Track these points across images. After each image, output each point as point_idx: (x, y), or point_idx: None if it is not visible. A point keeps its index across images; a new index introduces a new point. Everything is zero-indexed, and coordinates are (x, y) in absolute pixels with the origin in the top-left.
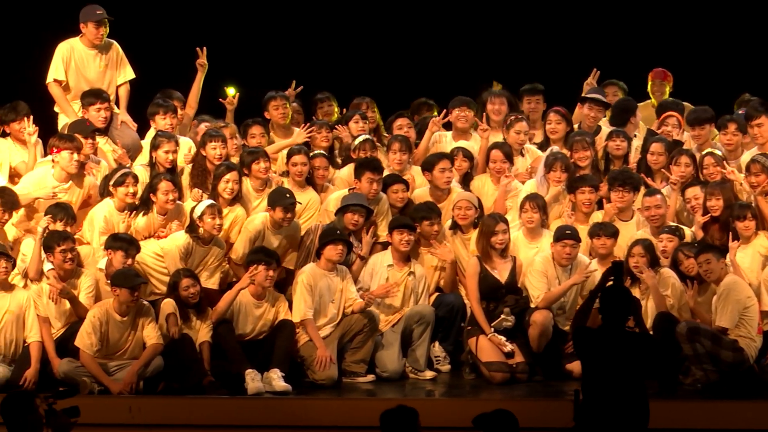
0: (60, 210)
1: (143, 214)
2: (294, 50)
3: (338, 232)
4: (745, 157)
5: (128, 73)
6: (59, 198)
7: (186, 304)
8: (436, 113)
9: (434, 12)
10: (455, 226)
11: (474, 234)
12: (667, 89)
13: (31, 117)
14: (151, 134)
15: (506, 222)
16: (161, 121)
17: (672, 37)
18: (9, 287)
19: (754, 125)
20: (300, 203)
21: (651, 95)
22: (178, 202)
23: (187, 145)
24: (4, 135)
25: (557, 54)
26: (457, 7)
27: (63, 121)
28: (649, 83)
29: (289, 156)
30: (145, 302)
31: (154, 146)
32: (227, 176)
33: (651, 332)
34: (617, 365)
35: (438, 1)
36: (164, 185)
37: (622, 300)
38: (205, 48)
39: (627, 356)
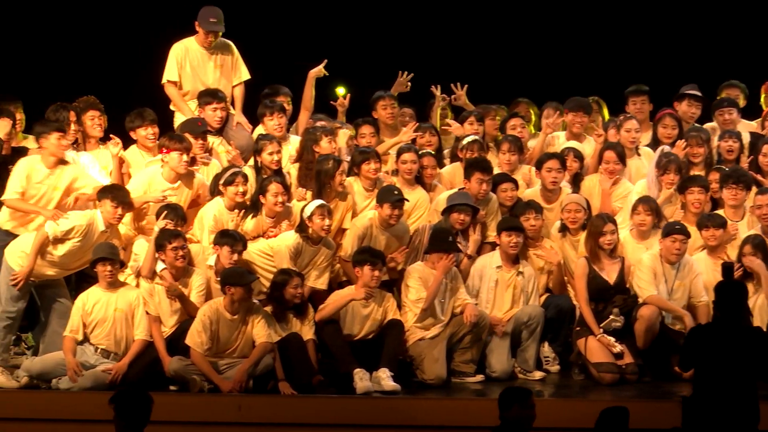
0: (170, 210)
1: (252, 217)
2: (403, 49)
3: (450, 239)
4: None
5: (243, 74)
6: (169, 200)
7: (287, 304)
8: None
9: (542, 11)
10: (564, 229)
11: (583, 236)
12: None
13: (156, 125)
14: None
15: (614, 222)
16: (269, 122)
17: None
18: (117, 286)
19: None
20: (408, 200)
21: (764, 106)
22: (287, 204)
23: (295, 145)
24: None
25: (657, 56)
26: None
27: (179, 120)
28: (763, 95)
29: (399, 154)
30: (255, 301)
31: (257, 150)
32: (340, 169)
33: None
34: (730, 361)
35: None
36: (274, 187)
37: (738, 295)
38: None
39: (740, 352)
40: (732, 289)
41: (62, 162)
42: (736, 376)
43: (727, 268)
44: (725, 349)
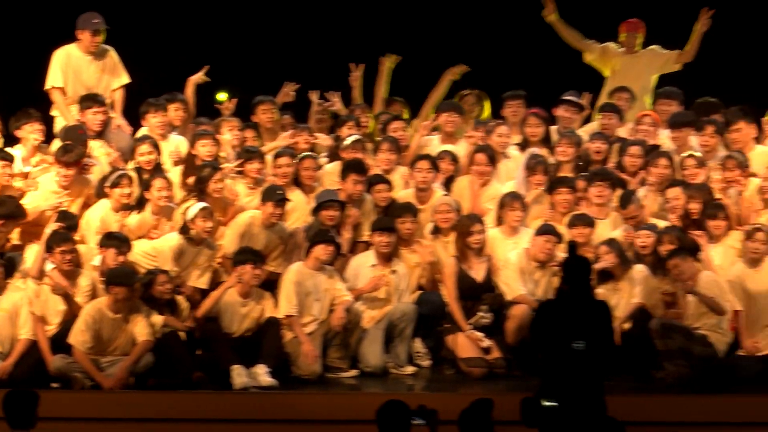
0: (62, 215)
1: (137, 212)
2: (285, 56)
3: (329, 233)
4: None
5: (123, 78)
6: (64, 206)
7: (158, 302)
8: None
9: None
10: (437, 231)
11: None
12: (639, 40)
13: (42, 122)
14: (139, 135)
15: (482, 222)
16: (152, 119)
17: None
18: (2, 287)
19: (733, 130)
20: (291, 200)
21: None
22: (169, 204)
23: (174, 144)
24: None
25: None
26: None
27: (60, 124)
28: (623, 35)
29: (276, 157)
30: (136, 299)
31: (133, 152)
32: (215, 177)
33: (626, 327)
34: (578, 332)
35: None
36: (158, 182)
37: (584, 270)
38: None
39: (587, 323)
40: (578, 264)
41: None
42: (589, 371)
43: (572, 245)
44: (573, 321)
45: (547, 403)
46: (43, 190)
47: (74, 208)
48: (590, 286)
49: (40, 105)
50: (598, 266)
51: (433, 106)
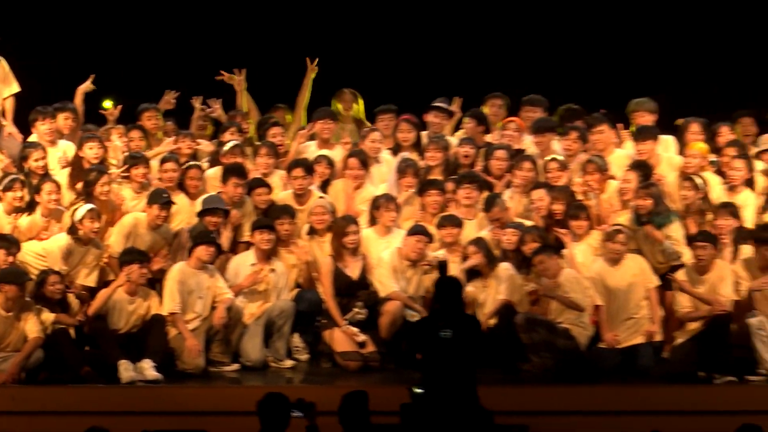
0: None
1: (27, 215)
2: (170, 63)
3: (212, 235)
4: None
5: (14, 87)
6: None
7: (50, 301)
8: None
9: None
10: (312, 231)
11: (329, 237)
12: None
13: None
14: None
15: (357, 223)
16: (41, 127)
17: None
18: None
19: (596, 131)
20: (176, 203)
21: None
22: (59, 207)
23: (62, 149)
24: None
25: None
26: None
27: None
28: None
29: (162, 163)
30: (27, 298)
31: (24, 157)
32: (101, 181)
33: (492, 323)
34: (451, 346)
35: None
36: (48, 186)
37: (455, 288)
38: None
39: (460, 337)
40: (448, 283)
41: None
42: (458, 360)
43: (442, 265)
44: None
45: (417, 390)
46: None
47: None
48: (461, 303)
49: None
50: (466, 265)
51: (304, 107)
